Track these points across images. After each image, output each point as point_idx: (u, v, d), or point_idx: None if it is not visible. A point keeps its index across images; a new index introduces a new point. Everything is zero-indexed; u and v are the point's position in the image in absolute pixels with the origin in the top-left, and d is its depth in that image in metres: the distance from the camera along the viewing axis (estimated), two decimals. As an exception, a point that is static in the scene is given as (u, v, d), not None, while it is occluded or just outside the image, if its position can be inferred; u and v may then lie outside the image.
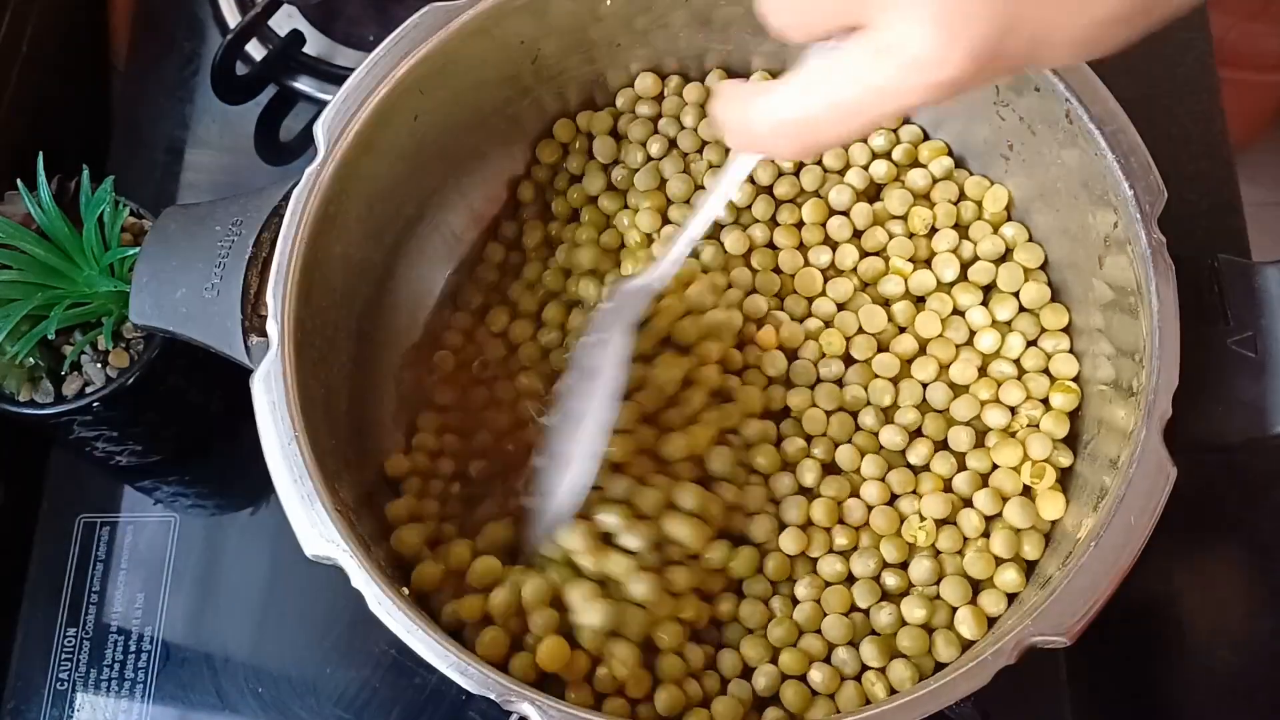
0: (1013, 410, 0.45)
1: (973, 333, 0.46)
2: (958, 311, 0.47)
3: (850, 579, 0.43)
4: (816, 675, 0.42)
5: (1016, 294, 0.46)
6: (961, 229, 0.48)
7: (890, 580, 0.43)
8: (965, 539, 0.43)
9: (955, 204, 0.48)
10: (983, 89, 0.45)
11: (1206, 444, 0.40)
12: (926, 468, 0.45)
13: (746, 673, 0.42)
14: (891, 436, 0.45)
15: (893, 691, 0.41)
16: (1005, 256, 0.47)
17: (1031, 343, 0.46)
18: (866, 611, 0.43)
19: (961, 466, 0.44)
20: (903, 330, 0.47)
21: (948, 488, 0.44)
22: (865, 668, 0.42)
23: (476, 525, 0.44)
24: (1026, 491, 0.44)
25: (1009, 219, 0.48)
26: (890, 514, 0.43)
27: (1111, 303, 0.42)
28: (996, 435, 0.45)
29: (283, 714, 0.47)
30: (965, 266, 0.47)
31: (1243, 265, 0.41)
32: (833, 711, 0.41)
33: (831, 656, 0.42)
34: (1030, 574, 0.42)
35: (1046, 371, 0.45)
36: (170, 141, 0.59)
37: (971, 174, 0.49)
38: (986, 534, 0.43)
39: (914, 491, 0.44)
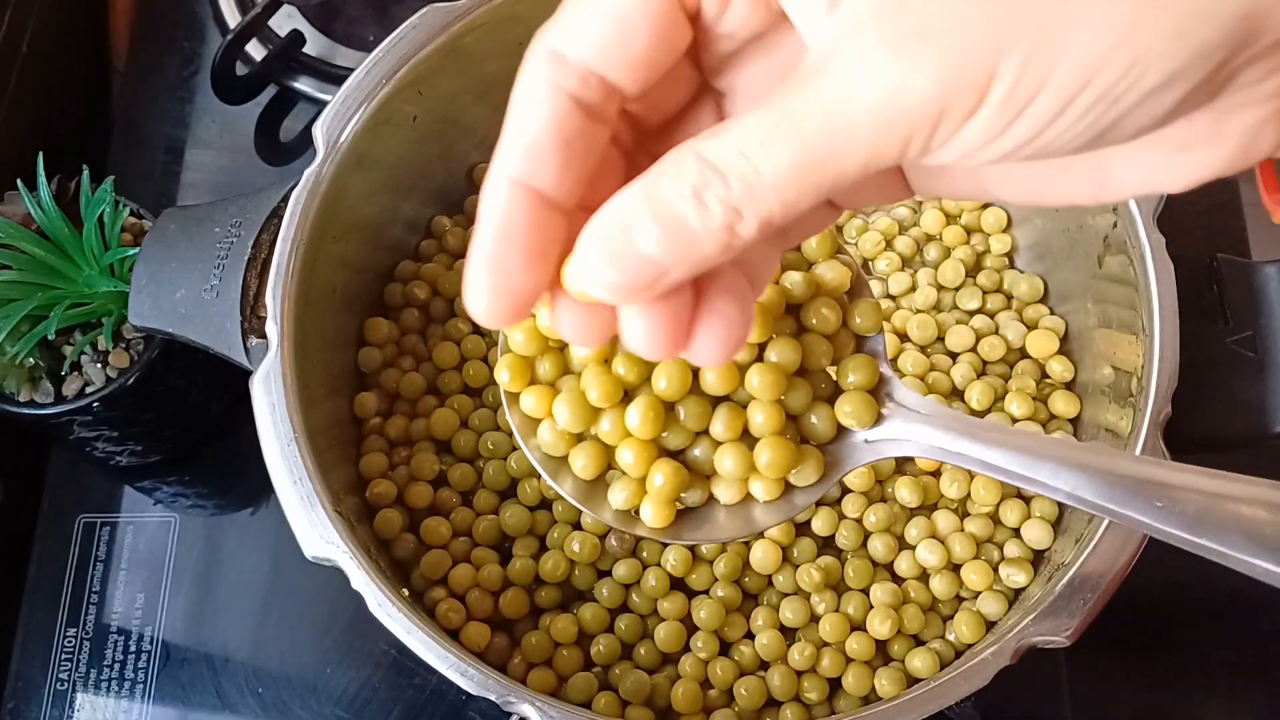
0: (1014, 420, 0.45)
1: (979, 337, 0.46)
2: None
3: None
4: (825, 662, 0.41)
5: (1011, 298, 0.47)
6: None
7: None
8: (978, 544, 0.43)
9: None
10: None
11: (1206, 443, 0.40)
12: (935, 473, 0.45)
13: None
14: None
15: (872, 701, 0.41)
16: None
17: (1026, 355, 0.46)
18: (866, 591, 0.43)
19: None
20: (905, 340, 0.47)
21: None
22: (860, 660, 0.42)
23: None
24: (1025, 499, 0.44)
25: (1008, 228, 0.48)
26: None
27: (1111, 303, 0.42)
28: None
29: (283, 714, 0.47)
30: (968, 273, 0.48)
31: (1242, 264, 0.41)
32: (830, 713, 0.41)
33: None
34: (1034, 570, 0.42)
35: (1045, 375, 0.45)
36: (170, 141, 0.59)
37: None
38: (992, 539, 0.43)
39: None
